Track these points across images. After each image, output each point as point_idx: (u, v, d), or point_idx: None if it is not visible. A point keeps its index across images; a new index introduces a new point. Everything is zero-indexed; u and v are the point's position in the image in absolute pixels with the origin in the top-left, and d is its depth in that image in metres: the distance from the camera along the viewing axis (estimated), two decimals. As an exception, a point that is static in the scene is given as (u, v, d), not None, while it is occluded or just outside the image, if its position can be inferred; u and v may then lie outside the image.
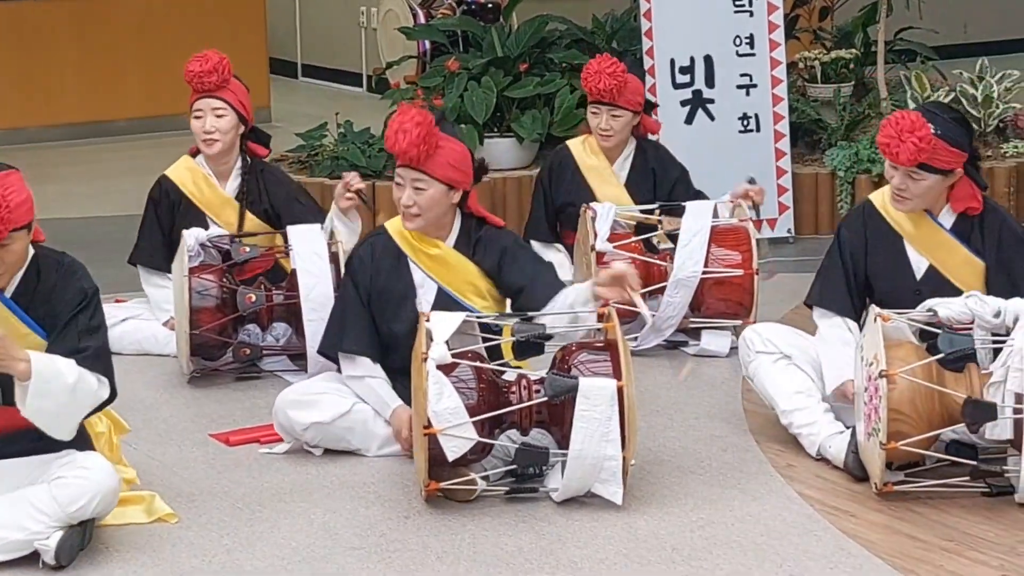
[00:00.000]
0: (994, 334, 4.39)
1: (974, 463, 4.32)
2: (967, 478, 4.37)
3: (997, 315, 4.39)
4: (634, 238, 5.97)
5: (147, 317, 6.03)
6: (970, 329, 4.42)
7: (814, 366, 4.86)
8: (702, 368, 5.85)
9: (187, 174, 5.93)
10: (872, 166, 7.39)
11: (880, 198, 4.90)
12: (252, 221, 5.84)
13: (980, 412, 4.18)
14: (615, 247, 5.78)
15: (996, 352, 4.35)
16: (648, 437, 4.81)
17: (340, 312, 4.93)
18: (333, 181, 7.04)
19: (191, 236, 5.56)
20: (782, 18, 7.61)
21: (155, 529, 4.28)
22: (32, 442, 4.08)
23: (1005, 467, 4.30)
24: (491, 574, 4.01)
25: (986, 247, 4.78)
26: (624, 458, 4.31)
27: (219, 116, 5.77)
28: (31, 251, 4.06)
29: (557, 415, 4.36)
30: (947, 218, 4.79)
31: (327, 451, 4.85)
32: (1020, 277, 4.73)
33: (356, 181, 5.69)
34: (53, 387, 3.90)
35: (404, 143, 4.52)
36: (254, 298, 5.56)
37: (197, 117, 5.80)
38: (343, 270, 5.17)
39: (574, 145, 6.45)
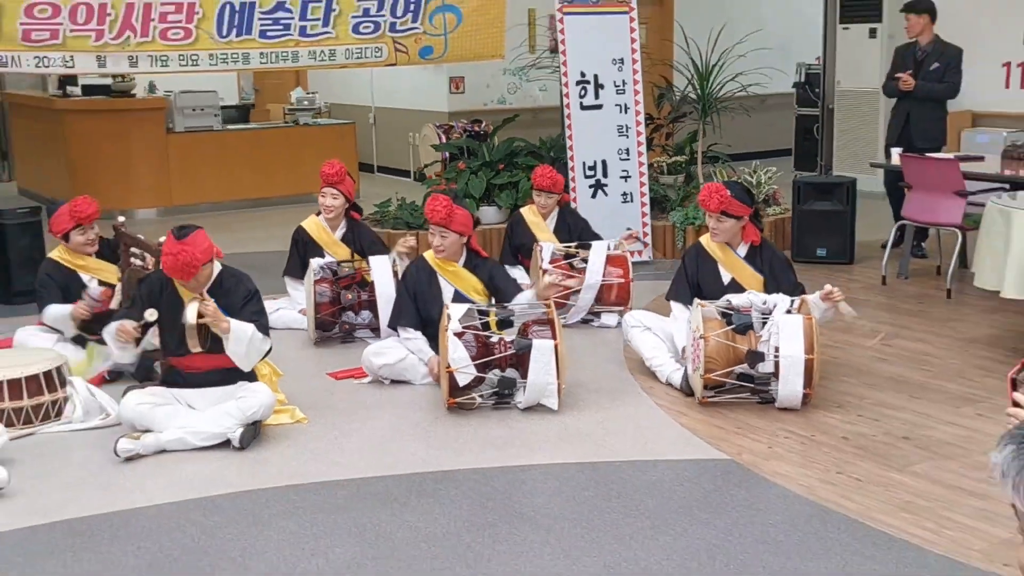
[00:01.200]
0: (763, 314, 4.92)
1: (752, 385, 4.85)
2: (749, 393, 4.89)
3: (765, 303, 4.98)
4: (563, 262, 6.39)
5: (289, 307, 6.49)
6: (750, 311, 4.96)
7: (666, 333, 5.38)
8: (603, 334, 6.20)
9: (313, 225, 6.46)
10: (695, 221, 8.01)
11: (705, 239, 5.40)
12: (348, 253, 6.36)
13: (755, 357, 4.76)
14: (554, 267, 6.22)
15: (764, 323, 4.89)
16: (572, 372, 5.10)
17: (398, 304, 5.44)
18: (396, 231, 7.84)
19: (316, 262, 6.12)
20: (645, 139, 8.15)
21: (296, 428, 4.75)
22: (226, 375, 4.60)
23: (769, 387, 4.84)
24: (484, 448, 4.46)
25: (763, 267, 5.26)
26: (559, 384, 4.83)
27: (335, 197, 6.36)
28: (218, 268, 4.60)
29: (523, 360, 4.86)
30: (742, 249, 5.31)
31: (392, 381, 5.34)
32: (782, 284, 5.18)
33: (411, 241, 6.30)
34: (242, 338, 4.44)
35: (437, 216, 5.19)
36: (350, 296, 6.06)
37: (323, 195, 6.36)
38: (400, 280, 5.65)
39: (524, 211, 6.97)
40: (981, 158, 7.85)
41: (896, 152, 7.63)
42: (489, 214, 8.50)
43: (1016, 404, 2.21)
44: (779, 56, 10.73)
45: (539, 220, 6.89)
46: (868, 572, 3.42)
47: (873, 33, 10.32)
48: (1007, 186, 6.82)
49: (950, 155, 7.71)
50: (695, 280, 5.34)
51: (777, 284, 5.23)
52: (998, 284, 5.55)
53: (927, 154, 7.55)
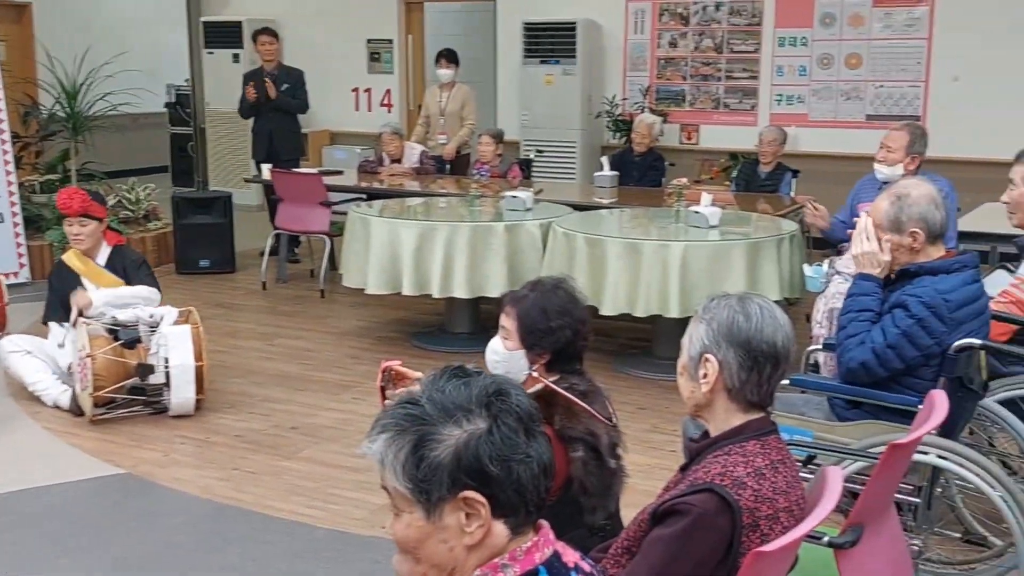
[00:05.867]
0: (151, 327, 4.78)
1: (144, 397, 4.68)
2: (142, 406, 4.70)
3: (152, 316, 4.83)
4: None
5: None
6: (137, 326, 4.76)
7: (47, 355, 4.97)
8: None
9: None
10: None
11: (67, 256, 5.07)
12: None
13: (145, 370, 4.68)
14: None
15: (152, 335, 4.73)
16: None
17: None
18: None
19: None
20: (12, 157, 7.50)
21: None
22: None
23: (162, 397, 4.68)
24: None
25: (121, 271, 5.04)
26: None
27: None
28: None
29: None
30: (103, 256, 5.06)
31: None
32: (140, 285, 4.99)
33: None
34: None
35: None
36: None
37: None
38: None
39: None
40: (340, 172, 8.41)
41: (266, 168, 7.87)
42: None
43: None
44: (148, 77, 10.50)
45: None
46: (265, 555, 3.50)
47: (236, 58, 10.55)
48: (364, 196, 7.36)
49: (314, 170, 8.15)
50: (64, 297, 5.03)
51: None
52: (363, 282, 5.93)
53: (294, 169, 7.92)
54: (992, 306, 3.19)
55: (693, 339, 2.07)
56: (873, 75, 8.41)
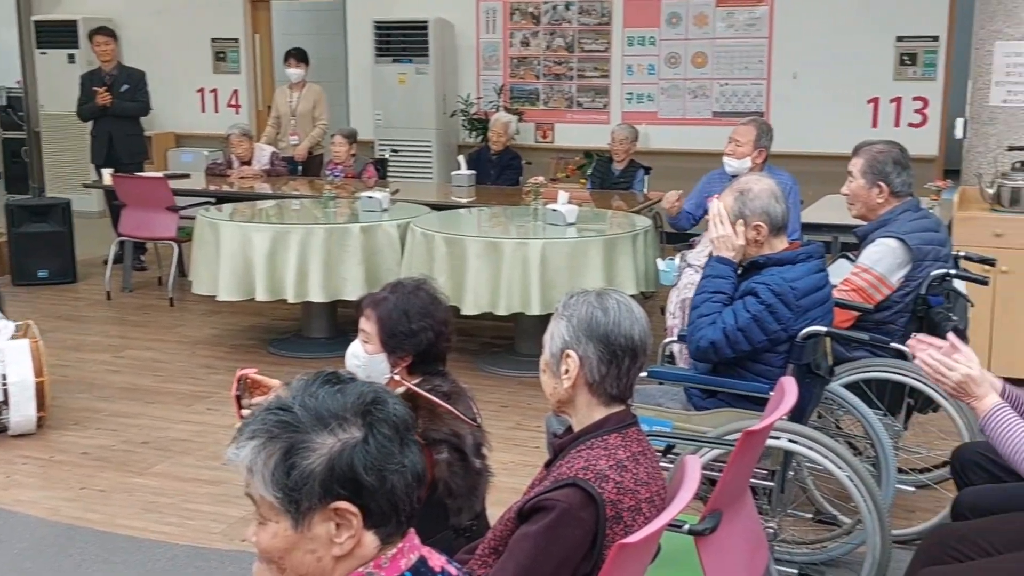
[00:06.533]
0: None
1: None
2: None
3: None
4: None
5: None
6: None
7: None
8: None
9: None
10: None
11: None
12: None
13: None
14: None
15: None
16: None
17: None
18: None
19: None
20: None
21: None
22: None
23: (0, 416, 4.55)
24: None
25: None
26: None
27: None
28: None
29: None
30: None
31: None
32: None
33: None
34: None
35: None
36: None
37: None
38: None
39: None
40: (187, 175, 8.17)
41: (107, 172, 7.59)
42: None
43: (243, 418, 2.30)
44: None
45: None
46: (119, 578, 3.36)
47: (72, 58, 10.13)
48: (213, 199, 7.16)
49: (159, 173, 7.90)
50: None
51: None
52: (214, 289, 5.78)
53: (135, 173, 7.65)
54: (835, 294, 3.34)
55: (554, 336, 2.09)
56: (718, 73, 8.70)
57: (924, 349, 2.40)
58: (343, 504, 1.35)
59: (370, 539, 1.38)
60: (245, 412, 2.36)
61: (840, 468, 2.91)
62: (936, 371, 2.34)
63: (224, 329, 6.48)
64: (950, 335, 2.44)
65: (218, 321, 6.64)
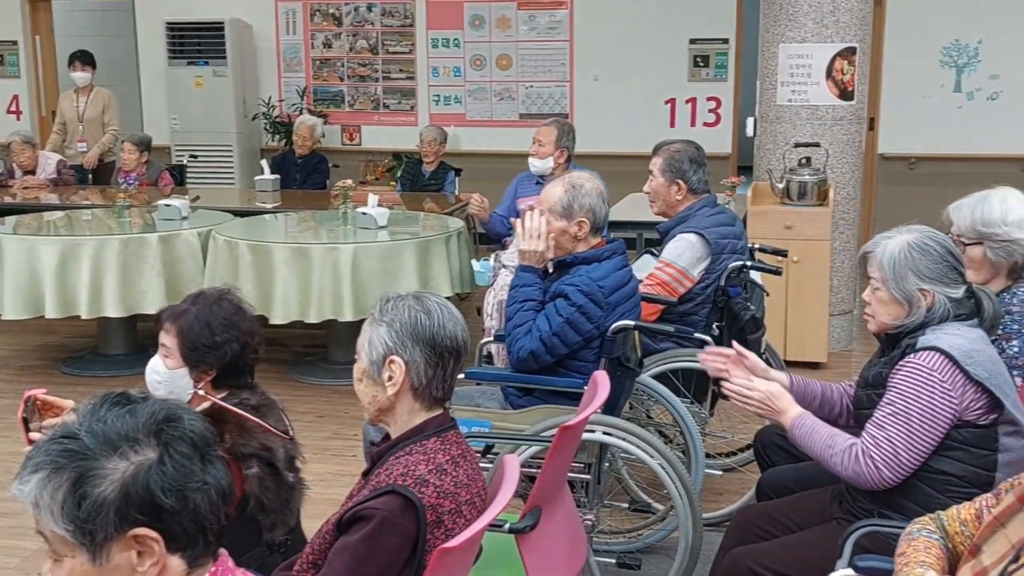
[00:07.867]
0: None
1: None
2: None
3: None
4: None
5: None
6: None
7: None
8: None
9: None
10: None
11: None
12: None
13: None
14: None
15: None
16: None
17: None
18: None
19: None
20: None
21: None
22: None
23: None
24: None
25: None
26: None
27: None
28: None
29: None
30: None
31: None
32: None
33: None
34: None
35: None
36: None
37: None
38: None
39: None
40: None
41: None
42: None
43: (32, 442, 2.17)
44: None
45: None
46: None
47: None
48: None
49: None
50: None
51: None
52: (-3, 307, 5.43)
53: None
54: (641, 288, 3.46)
55: (373, 342, 2.05)
56: (523, 76, 8.85)
57: (714, 361, 2.62)
58: (142, 530, 1.29)
59: (176, 563, 1.33)
60: (34, 436, 2.22)
61: (652, 457, 3.01)
62: (739, 395, 2.50)
63: (11, 350, 6.08)
64: (734, 343, 2.66)
65: (4, 341, 6.22)
